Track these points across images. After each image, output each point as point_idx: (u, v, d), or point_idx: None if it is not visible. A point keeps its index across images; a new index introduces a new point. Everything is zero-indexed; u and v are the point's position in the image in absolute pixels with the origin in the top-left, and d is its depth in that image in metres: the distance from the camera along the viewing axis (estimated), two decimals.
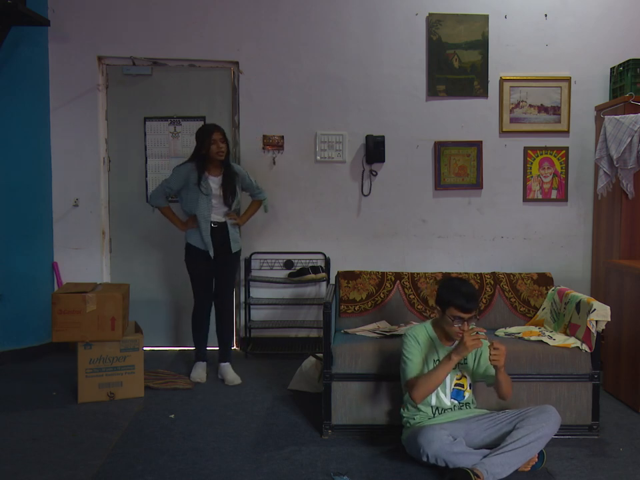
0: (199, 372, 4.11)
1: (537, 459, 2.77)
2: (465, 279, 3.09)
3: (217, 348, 4.21)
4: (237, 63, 4.74)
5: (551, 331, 3.48)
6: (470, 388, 3.00)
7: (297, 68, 4.73)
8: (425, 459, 2.71)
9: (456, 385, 2.96)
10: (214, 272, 4.10)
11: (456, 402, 2.96)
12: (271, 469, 2.82)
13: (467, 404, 2.98)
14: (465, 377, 2.98)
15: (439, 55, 4.70)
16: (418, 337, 2.95)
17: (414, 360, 2.90)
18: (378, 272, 3.88)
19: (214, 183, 4.00)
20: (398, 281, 3.84)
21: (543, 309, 3.73)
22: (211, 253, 3.99)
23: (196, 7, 4.67)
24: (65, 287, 3.93)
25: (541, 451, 2.77)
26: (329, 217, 4.82)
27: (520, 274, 3.88)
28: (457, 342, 2.89)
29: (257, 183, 4.25)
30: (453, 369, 2.90)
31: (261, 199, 4.30)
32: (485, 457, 2.67)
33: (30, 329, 4.52)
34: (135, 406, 3.60)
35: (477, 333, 2.77)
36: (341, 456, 2.96)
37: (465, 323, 2.83)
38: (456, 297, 2.81)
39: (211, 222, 3.99)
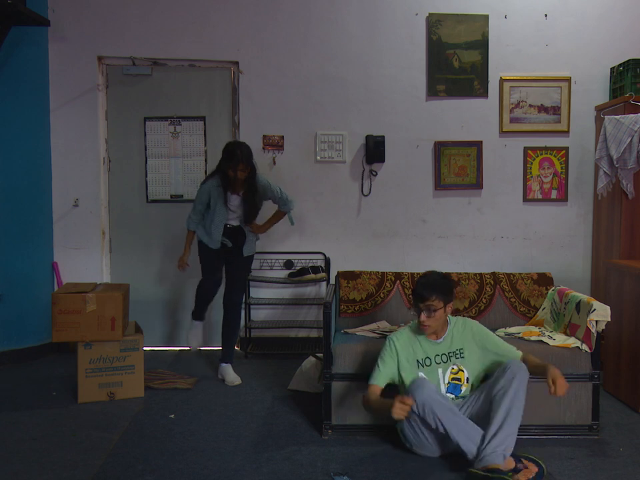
0: (196, 333, 4.20)
1: (536, 469, 2.73)
2: (437, 272, 3.07)
3: (220, 348, 4.22)
4: (237, 63, 4.74)
5: (551, 331, 3.48)
6: (468, 382, 2.99)
7: (297, 68, 4.73)
8: (414, 410, 2.72)
9: (452, 379, 2.98)
10: (224, 262, 4.12)
11: (452, 396, 2.97)
12: (271, 469, 2.82)
13: (463, 398, 2.98)
14: (463, 370, 2.98)
15: (439, 55, 4.70)
16: (397, 341, 2.99)
17: (381, 369, 2.96)
18: (378, 272, 3.88)
19: (234, 200, 4.00)
20: (398, 281, 3.84)
21: (543, 309, 3.73)
22: (215, 245, 4.01)
23: (196, 6, 4.68)
24: (65, 287, 3.93)
25: (540, 464, 2.74)
26: (329, 217, 4.82)
27: (520, 274, 3.89)
28: (443, 337, 2.99)
29: (282, 194, 4.09)
30: (445, 362, 2.96)
31: (286, 211, 4.16)
32: (484, 447, 2.68)
33: (30, 329, 4.52)
34: (135, 406, 3.60)
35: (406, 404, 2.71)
36: (340, 456, 2.96)
37: (422, 313, 2.89)
38: (414, 289, 2.97)
39: (226, 224, 4.03)
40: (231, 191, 3.98)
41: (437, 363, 2.96)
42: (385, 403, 2.78)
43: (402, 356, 2.96)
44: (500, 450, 2.66)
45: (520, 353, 2.99)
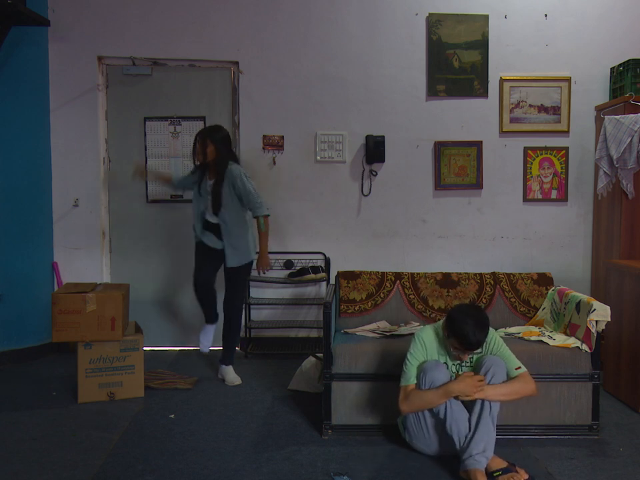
0: (204, 336, 4.14)
1: (527, 476, 2.71)
2: (481, 310, 2.90)
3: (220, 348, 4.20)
4: (237, 63, 4.74)
5: (551, 331, 3.48)
6: None
7: (297, 68, 4.73)
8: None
9: None
10: (216, 262, 4.00)
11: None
12: (271, 468, 2.82)
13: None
14: None
15: (439, 55, 4.70)
16: (426, 340, 2.94)
17: (413, 364, 2.90)
18: (378, 272, 3.88)
19: (209, 187, 3.93)
20: (398, 281, 3.84)
21: (543, 309, 3.73)
22: (210, 244, 3.96)
23: (196, 6, 4.67)
24: (65, 287, 3.93)
25: (532, 476, 2.74)
26: (329, 217, 4.82)
27: (520, 274, 3.88)
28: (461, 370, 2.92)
29: (254, 194, 3.87)
30: (457, 370, 2.93)
31: (256, 216, 3.93)
32: (464, 447, 2.72)
33: (30, 328, 4.52)
34: (135, 406, 3.59)
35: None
36: (340, 456, 2.96)
37: (465, 354, 2.85)
38: (461, 334, 2.75)
39: (206, 219, 3.97)
40: (209, 176, 3.93)
41: (452, 372, 2.95)
42: (436, 392, 2.76)
43: (429, 350, 2.93)
44: (476, 452, 2.68)
45: (521, 371, 2.88)
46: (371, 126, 4.75)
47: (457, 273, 3.90)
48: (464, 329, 2.74)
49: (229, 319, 4.10)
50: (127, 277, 4.71)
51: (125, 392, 3.70)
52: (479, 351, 2.89)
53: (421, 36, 4.72)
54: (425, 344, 2.93)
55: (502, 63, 4.73)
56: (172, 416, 3.45)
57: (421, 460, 2.92)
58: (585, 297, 3.34)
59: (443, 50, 4.70)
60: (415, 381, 2.86)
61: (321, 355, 3.61)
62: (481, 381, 2.76)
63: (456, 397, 2.77)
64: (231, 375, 4.06)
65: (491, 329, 3.00)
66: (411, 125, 4.77)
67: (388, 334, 3.48)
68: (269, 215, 3.97)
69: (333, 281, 4.30)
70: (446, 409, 2.76)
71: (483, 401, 2.75)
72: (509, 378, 2.87)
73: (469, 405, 2.80)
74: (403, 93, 4.75)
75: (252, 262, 4.04)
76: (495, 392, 2.76)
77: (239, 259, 3.95)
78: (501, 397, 2.78)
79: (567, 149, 4.77)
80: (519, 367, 2.88)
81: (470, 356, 2.90)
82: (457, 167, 4.76)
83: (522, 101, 4.74)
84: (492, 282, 3.83)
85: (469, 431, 2.75)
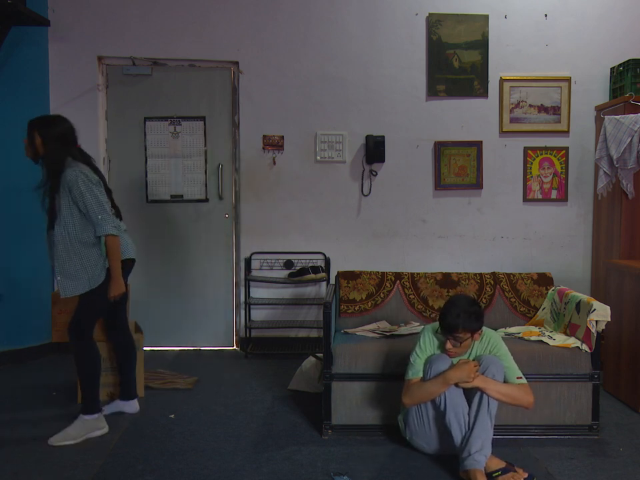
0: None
1: (526, 475, 2.72)
2: (466, 299, 2.89)
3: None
4: (237, 63, 4.74)
5: (551, 331, 3.48)
6: None
7: (297, 68, 4.73)
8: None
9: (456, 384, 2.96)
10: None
11: None
12: (271, 469, 2.82)
13: None
14: None
15: (439, 55, 4.70)
16: (432, 335, 2.95)
17: (421, 357, 2.90)
18: (378, 272, 3.88)
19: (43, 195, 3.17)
20: (398, 281, 3.84)
21: (543, 309, 3.73)
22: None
23: (196, 6, 4.68)
24: None
25: (532, 474, 2.74)
26: (329, 217, 4.82)
27: (520, 274, 3.88)
28: (465, 353, 2.91)
29: (93, 209, 3.06)
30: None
31: (98, 235, 3.12)
32: (462, 446, 2.72)
33: (30, 329, 4.52)
34: None
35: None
36: (340, 456, 2.96)
37: (448, 341, 2.84)
38: (441, 314, 2.85)
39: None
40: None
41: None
42: (435, 382, 2.77)
43: (434, 345, 2.94)
44: (474, 450, 2.68)
45: (523, 381, 2.86)
46: (371, 126, 4.75)
47: (457, 273, 3.90)
48: (444, 309, 2.83)
49: None
50: None
51: None
52: (475, 348, 2.91)
53: (421, 36, 4.72)
54: (432, 339, 2.94)
55: (502, 63, 4.73)
56: (172, 416, 3.45)
57: (421, 460, 2.92)
58: (584, 297, 3.34)
59: (442, 50, 4.70)
60: (421, 375, 2.86)
61: (320, 355, 3.61)
62: (476, 366, 2.78)
63: (456, 385, 2.77)
64: (73, 429, 3.14)
65: (495, 333, 3.01)
66: (411, 125, 4.77)
67: (388, 334, 3.48)
68: (113, 235, 3.15)
69: (333, 281, 4.30)
70: (445, 397, 2.76)
71: (481, 397, 2.75)
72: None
73: (468, 400, 2.80)
74: (403, 93, 4.75)
75: (97, 288, 3.20)
76: (494, 387, 2.76)
77: (74, 288, 3.14)
78: (498, 395, 2.77)
79: (567, 149, 4.77)
80: (520, 377, 2.88)
81: (454, 344, 2.85)
82: (457, 167, 4.76)
83: (522, 101, 4.74)
84: (492, 282, 3.83)
85: (468, 428, 2.75)
